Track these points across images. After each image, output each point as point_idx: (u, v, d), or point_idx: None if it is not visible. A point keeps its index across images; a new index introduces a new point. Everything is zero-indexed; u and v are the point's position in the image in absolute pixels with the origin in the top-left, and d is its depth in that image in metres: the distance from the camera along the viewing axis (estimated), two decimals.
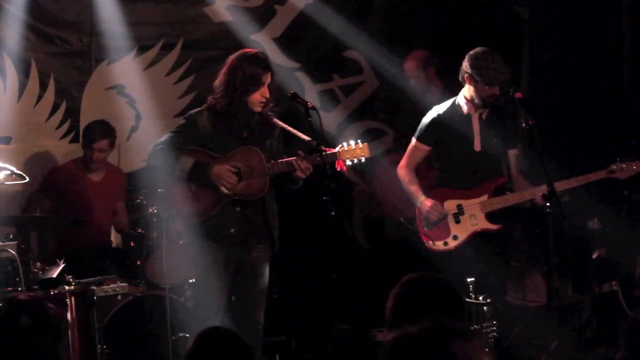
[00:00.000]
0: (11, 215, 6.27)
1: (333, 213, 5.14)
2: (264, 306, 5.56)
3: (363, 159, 5.43)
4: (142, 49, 7.17)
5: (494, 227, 5.85)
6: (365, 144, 5.42)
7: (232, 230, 5.39)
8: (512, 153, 5.98)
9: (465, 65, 5.79)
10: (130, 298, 5.87)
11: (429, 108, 6.08)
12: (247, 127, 5.44)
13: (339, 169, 5.41)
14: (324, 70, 7.74)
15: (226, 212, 5.37)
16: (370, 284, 6.57)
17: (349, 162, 5.41)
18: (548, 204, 5.42)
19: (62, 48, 6.96)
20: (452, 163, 5.95)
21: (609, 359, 5.95)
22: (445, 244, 5.90)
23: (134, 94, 7.17)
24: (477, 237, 5.85)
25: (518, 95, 5.66)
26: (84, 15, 6.96)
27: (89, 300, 5.66)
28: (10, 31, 6.67)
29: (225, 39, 7.24)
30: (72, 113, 7.00)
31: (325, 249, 6.37)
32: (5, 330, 3.17)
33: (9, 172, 5.52)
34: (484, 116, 5.91)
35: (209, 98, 5.46)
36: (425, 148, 6.00)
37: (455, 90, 6.03)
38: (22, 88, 6.83)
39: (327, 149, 5.37)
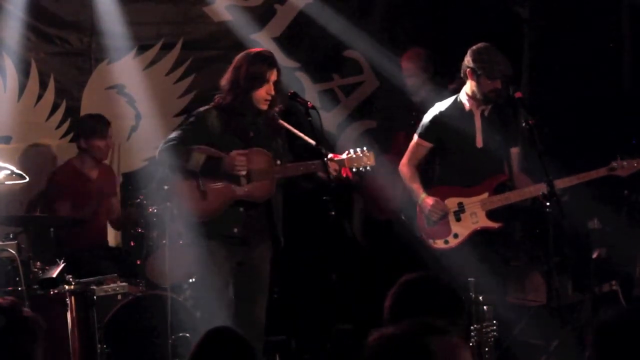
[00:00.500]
0: (11, 215, 6.27)
1: (333, 213, 5.15)
2: (265, 306, 5.56)
3: (368, 167, 5.44)
4: (142, 48, 7.17)
5: (495, 225, 5.85)
6: (372, 152, 5.44)
7: (235, 230, 5.40)
8: (514, 151, 5.98)
9: (468, 60, 5.80)
10: (130, 298, 5.86)
11: (427, 106, 6.09)
12: (253, 126, 5.45)
13: (344, 175, 5.40)
14: (324, 70, 7.74)
15: (230, 212, 5.38)
16: (370, 284, 6.57)
17: (354, 169, 5.42)
18: (548, 204, 5.42)
19: (62, 48, 6.96)
20: (453, 160, 5.95)
21: None
22: (446, 242, 5.90)
23: (134, 93, 7.17)
24: (477, 237, 5.85)
25: (518, 95, 5.67)
26: (84, 15, 6.96)
27: (89, 300, 5.65)
28: (10, 31, 6.67)
29: (225, 38, 7.24)
30: (72, 113, 7.00)
31: (325, 249, 6.38)
32: None
33: (9, 172, 5.51)
34: (486, 113, 5.91)
35: (216, 97, 5.47)
36: (427, 145, 6.01)
37: (455, 90, 6.04)
38: (22, 88, 6.83)
39: (334, 155, 5.39)
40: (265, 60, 5.40)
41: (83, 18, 6.97)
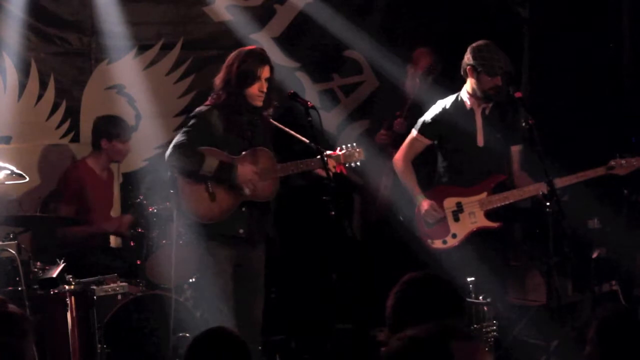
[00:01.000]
0: (11, 215, 6.27)
1: (333, 213, 5.15)
2: (262, 306, 5.57)
3: (359, 162, 5.54)
4: (142, 48, 7.17)
5: (493, 225, 5.85)
6: (361, 148, 5.56)
7: (241, 230, 5.41)
8: (515, 149, 5.99)
9: (468, 57, 5.81)
10: (131, 298, 5.86)
11: (426, 106, 6.10)
12: (251, 124, 5.47)
13: (339, 171, 5.44)
14: (324, 70, 7.74)
15: (234, 212, 5.39)
16: (370, 284, 6.57)
17: (347, 165, 5.48)
18: (548, 204, 5.42)
19: (62, 48, 6.96)
20: (455, 158, 5.95)
21: None
22: (444, 242, 5.90)
23: (134, 93, 7.17)
24: (477, 237, 5.85)
25: (518, 95, 5.67)
26: (84, 15, 6.96)
27: (89, 300, 5.65)
28: (10, 31, 6.67)
29: (225, 38, 7.24)
30: (72, 113, 7.00)
31: (325, 249, 6.38)
32: None
33: (9, 172, 5.51)
34: (486, 111, 5.92)
35: (212, 96, 5.46)
36: (426, 141, 6.00)
37: (456, 90, 6.03)
38: (22, 88, 6.83)
39: (326, 150, 5.43)
40: (257, 57, 5.41)
41: (83, 18, 6.97)
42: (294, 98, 5.42)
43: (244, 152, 5.44)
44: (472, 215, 5.87)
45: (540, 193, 5.52)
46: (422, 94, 6.81)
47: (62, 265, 5.57)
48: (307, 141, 5.37)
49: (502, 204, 5.84)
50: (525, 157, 6.01)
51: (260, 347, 5.62)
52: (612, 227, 6.61)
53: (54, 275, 5.49)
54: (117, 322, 5.76)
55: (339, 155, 5.49)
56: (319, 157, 5.34)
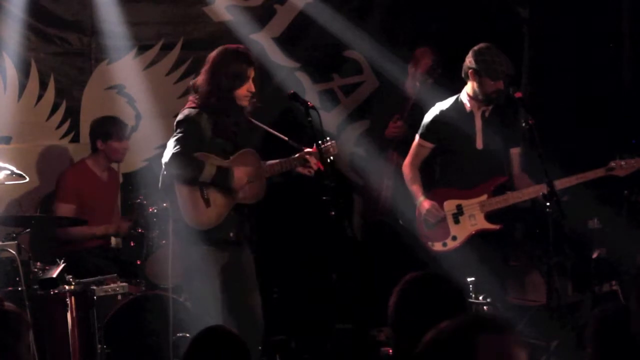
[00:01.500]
0: (11, 215, 6.27)
1: (333, 213, 5.15)
2: (260, 303, 5.57)
3: (332, 157, 5.53)
4: (142, 48, 7.17)
5: (494, 227, 5.84)
6: (334, 141, 5.58)
7: (231, 234, 5.40)
8: (515, 151, 5.98)
9: (470, 60, 5.80)
10: (131, 298, 5.86)
11: (426, 107, 6.10)
12: (236, 125, 5.45)
13: (316, 168, 5.44)
14: (324, 70, 7.74)
15: (227, 216, 5.38)
16: (370, 284, 6.57)
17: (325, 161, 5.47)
18: (548, 204, 5.42)
19: (62, 48, 6.96)
20: (454, 161, 5.95)
21: None
22: (445, 244, 5.90)
23: (134, 93, 7.17)
24: (477, 237, 5.85)
25: (518, 95, 5.67)
26: (84, 15, 6.96)
27: (89, 300, 5.66)
28: (10, 31, 6.67)
29: (225, 38, 7.21)
30: (72, 113, 7.00)
31: (325, 249, 6.39)
32: None
33: (9, 172, 5.51)
34: (486, 114, 5.91)
35: (196, 97, 5.40)
36: (429, 145, 6.00)
37: (456, 90, 6.03)
38: (22, 88, 6.83)
39: (304, 147, 5.48)
40: (245, 58, 5.40)
41: (83, 18, 6.97)
42: (294, 98, 5.41)
43: (232, 156, 5.42)
44: (473, 217, 5.86)
45: (540, 194, 5.52)
46: (422, 95, 6.80)
47: (62, 265, 5.57)
48: (287, 139, 5.39)
49: (503, 206, 5.84)
50: (525, 158, 6.00)
51: (260, 347, 5.61)
52: (612, 227, 6.61)
53: (54, 276, 5.49)
54: (117, 322, 5.76)
55: (320, 151, 5.41)
56: (298, 154, 5.38)
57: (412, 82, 7.03)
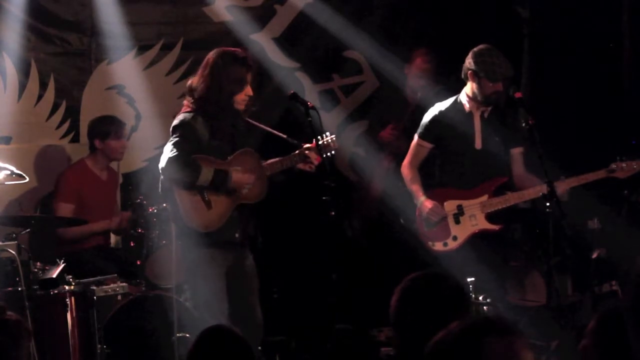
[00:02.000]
0: (11, 215, 6.27)
1: (333, 213, 5.15)
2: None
3: (334, 152, 5.58)
4: (142, 49, 7.17)
5: (494, 227, 5.85)
6: (334, 136, 5.58)
7: (237, 235, 5.39)
8: (516, 151, 5.98)
9: (469, 62, 5.80)
10: (131, 298, 5.86)
11: (427, 107, 6.10)
12: (233, 127, 5.45)
13: (317, 164, 5.45)
14: (324, 70, 7.74)
15: (229, 217, 5.37)
16: (370, 284, 6.57)
17: (324, 156, 5.46)
18: (548, 204, 5.42)
19: (62, 48, 6.96)
20: (453, 161, 5.95)
21: None
22: (445, 244, 5.90)
23: (134, 93, 7.17)
24: (477, 237, 5.86)
25: (518, 95, 5.68)
26: (84, 15, 6.97)
27: (89, 300, 5.66)
28: (10, 31, 6.68)
29: (225, 39, 7.23)
30: (72, 113, 7.01)
31: (325, 249, 6.38)
32: None
33: (9, 172, 5.51)
34: (485, 115, 5.91)
35: (191, 101, 5.36)
36: (428, 145, 6.01)
37: (456, 90, 6.03)
38: (22, 88, 6.83)
39: (303, 143, 5.48)
40: (244, 62, 5.37)
41: (83, 18, 6.97)
42: (294, 98, 5.42)
43: (229, 157, 5.41)
44: (473, 217, 5.87)
45: (541, 194, 5.53)
46: (422, 97, 6.81)
47: (62, 266, 5.57)
48: (285, 136, 5.39)
49: (503, 206, 5.84)
50: (526, 159, 6.00)
51: (259, 347, 5.61)
52: (612, 228, 6.60)
53: (54, 276, 5.49)
54: (117, 322, 5.76)
55: (319, 146, 5.42)
56: (298, 151, 5.39)
57: (410, 84, 7.03)
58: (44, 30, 6.87)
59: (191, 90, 5.39)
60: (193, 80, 5.40)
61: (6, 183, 5.60)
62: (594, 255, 6.57)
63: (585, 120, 7.21)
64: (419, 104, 6.77)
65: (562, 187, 5.62)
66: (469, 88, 5.88)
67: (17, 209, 6.63)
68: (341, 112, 7.75)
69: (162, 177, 5.34)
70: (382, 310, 3.25)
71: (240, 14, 7.33)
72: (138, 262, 6.28)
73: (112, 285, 5.84)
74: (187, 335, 5.62)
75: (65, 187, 6.53)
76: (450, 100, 5.98)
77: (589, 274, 6.50)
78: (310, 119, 5.26)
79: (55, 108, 6.96)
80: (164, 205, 5.97)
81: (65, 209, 6.44)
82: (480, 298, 5.31)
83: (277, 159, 5.52)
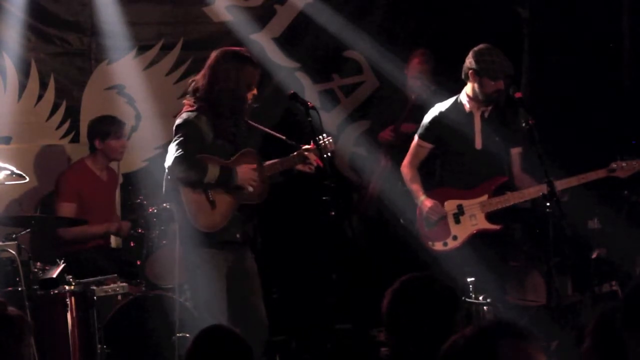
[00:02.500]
0: (11, 215, 6.27)
1: (333, 213, 5.15)
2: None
3: (330, 153, 5.57)
4: (142, 49, 7.18)
5: (494, 227, 5.85)
6: (331, 138, 5.59)
7: (238, 235, 5.39)
8: (515, 151, 5.98)
9: (470, 61, 5.80)
10: (131, 298, 5.86)
11: (427, 107, 6.10)
12: (235, 127, 5.45)
13: (316, 165, 5.45)
14: (324, 70, 7.74)
15: (231, 217, 5.37)
16: (369, 284, 6.57)
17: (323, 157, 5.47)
18: (548, 204, 5.43)
19: (62, 48, 6.97)
20: (453, 161, 5.96)
21: None
22: (445, 244, 5.90)
23: (134, 93, 7.17)
24: (477, 237, 5.86)
25: (518, 95, 5.68)
26: (84, 15, 6.97)
27: (89, 300, 5.65)
28: (10, 31, 6.68)
29: (225, 39, 7.23)
30: (72, 113, 7.01)
31: (325, 249, 6.39)
32: None
33: (9, 172, 5.51)
34: (486, 114, 5.92)
35: (190, 101, 5.35)
36: (428, 146, 6.01)
37: (456, 90, 6.04)
38: (22, 88, 6.84)
39: (302, 145, 5.48)
40: (253, 63, 5.37)
41: (83, 18, 6.98)
42: (294, 98, 5.41)
43: (233, 157, 5.41)
44: (473, 217, 5.87)
45: (541, 194, 5.53)
46: (421, 97, 6.81)
47: (62, 266, 5.57)
48: (284, 137, 5.39)
49: (503, 206, 5.84)
50: (525, 158, 6.00)
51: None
52: (612, 228, 6.61)
53: (54, 276, 5.48)
54: (117, 322, 5.76)
55: (318, 148, 5.41)
56: (297, 152, 5.41)
57: (409, 84, 7.04)
58: (44, 30, 6.88)
59: (194, 90, 5.38)
60: (196, 80, 5.39)
61: (6, 183, 5.60)
62: (594, 255, 6.57)
63: (585, 120, 7.20)
64: (416, 103, 6.78)
65: (558, 186, 5.62)
66: (469, 88, 5.88)
67: (18, 209, 6.63)
68: (341, 112, 7.75)
69: (167, 176, 5.31)
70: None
71: (240, 14, 7.34)
72: (138, 262, 6.28)
73: (112, 285, 5.84)
74: (187, 335, 5.62)
75: (66, 187, 6.53)
76: (451, 101, 5.98)
77: (589, 274, 6.50)
78: (310, 119, 5.26)
79: (55, 108, 6.96)
80: (164, 205, 5.98)
81: (67, 209, 6.44)
82: (480, 298, 5.31)
83: (276, 160, 5.52)
